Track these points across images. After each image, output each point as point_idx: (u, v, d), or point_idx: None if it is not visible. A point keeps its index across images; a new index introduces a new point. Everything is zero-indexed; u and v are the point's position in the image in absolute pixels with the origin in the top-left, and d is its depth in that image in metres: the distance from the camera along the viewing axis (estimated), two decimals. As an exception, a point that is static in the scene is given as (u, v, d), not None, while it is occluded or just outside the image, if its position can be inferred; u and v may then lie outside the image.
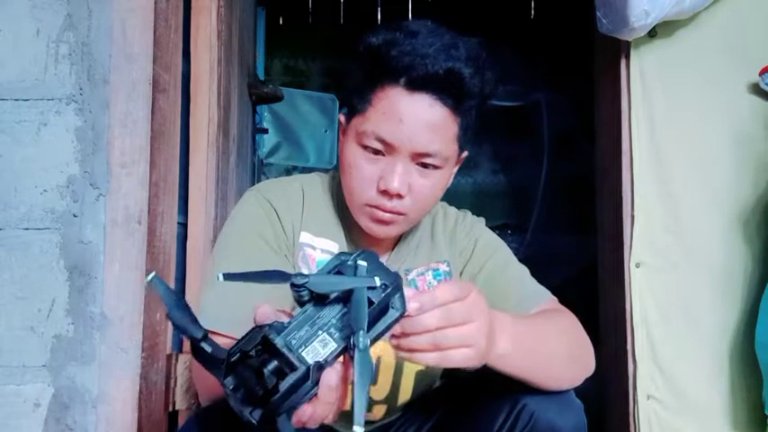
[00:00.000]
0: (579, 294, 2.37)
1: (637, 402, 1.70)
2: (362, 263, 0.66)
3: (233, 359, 0.59)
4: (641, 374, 1.70)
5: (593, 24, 1.73)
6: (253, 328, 0.62)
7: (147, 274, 1.26)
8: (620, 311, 1.76)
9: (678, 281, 1.71)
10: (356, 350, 0.59)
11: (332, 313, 0.63)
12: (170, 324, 1.39)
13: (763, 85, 1.67)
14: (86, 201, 1.25)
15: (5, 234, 1.23)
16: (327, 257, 1.01)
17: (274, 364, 0.59)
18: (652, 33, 1.70)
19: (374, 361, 0.99)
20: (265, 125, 3.29)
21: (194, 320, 0.60)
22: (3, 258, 1.23)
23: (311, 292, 0.62)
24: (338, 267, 0.66)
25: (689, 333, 1.70)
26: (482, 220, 1.17)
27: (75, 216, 1.24)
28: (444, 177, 0.98)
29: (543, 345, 0.91)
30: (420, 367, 1.10)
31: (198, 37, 1.60)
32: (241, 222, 1.01)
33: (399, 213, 0.96)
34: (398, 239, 1.10)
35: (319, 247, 1.03)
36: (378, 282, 0.63)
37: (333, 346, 0.61)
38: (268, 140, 3.40)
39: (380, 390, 1.06)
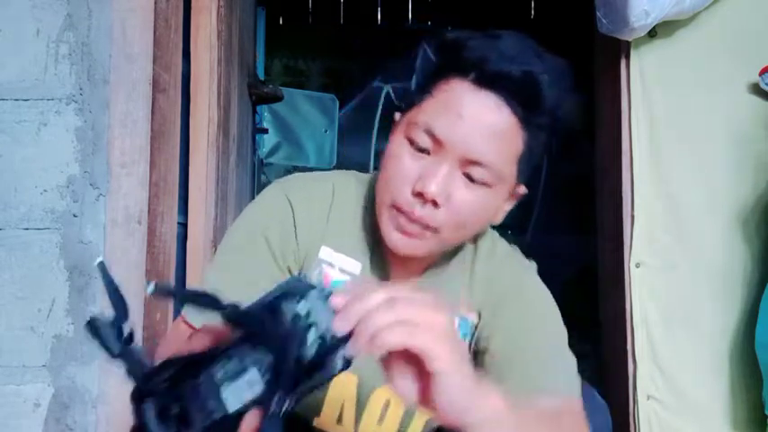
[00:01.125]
0: (579, 294, 2.37)
1: (637, 402, 1.70)
2: (303, 309, 0.53)
3: (146, 387, 0.51)
4: (641, 374, 1.70)
5: (593, 24, 1.73)
6: (180, 357, 0.53)
7: (148, 277, 1.27)
8: (620, 311, 1.76)
9: (678, 281, 1.71)
10: (266, 415, 0.50)
11: (268, 343, 0.52)
12: (169, 323, 1.39)
13: (763, 85, 1.67)
14: (86, 201, 1.25)
15: (5, 234, 1.23)
16: (344, 279, 0.90)
17: (181, 406, 0.50)
18: (652, 33, 1.70)
19: (382, 404, 0.92)
20: (265, 125, 3.29)
21: (119, 335, 0.52)
22: (3, 258, 1.23)
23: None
24: (281, 302, 0.53)
25: (689, 333, 1.70)
26: (533, 266, 0.99)
27: (75, 216, 1.24)
28: (492, 200, 0.83)
29: None
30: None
31: (198, 37, 1.60)
32: (252, 216, 0.92)
33: (428, 227, 0.81)
34: (430, 264, 0.92)
35: (338, 266, 0.90)
36: (309, 340, 0.52)
37: (258, 389, 0.51)
38: (268, 140, 3.41)
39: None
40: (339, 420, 0.93)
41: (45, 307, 1.22)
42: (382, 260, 0.91)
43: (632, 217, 1.74)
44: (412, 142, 0.81)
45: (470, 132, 0.78)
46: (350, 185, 0.94)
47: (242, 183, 2.22)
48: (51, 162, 1.25)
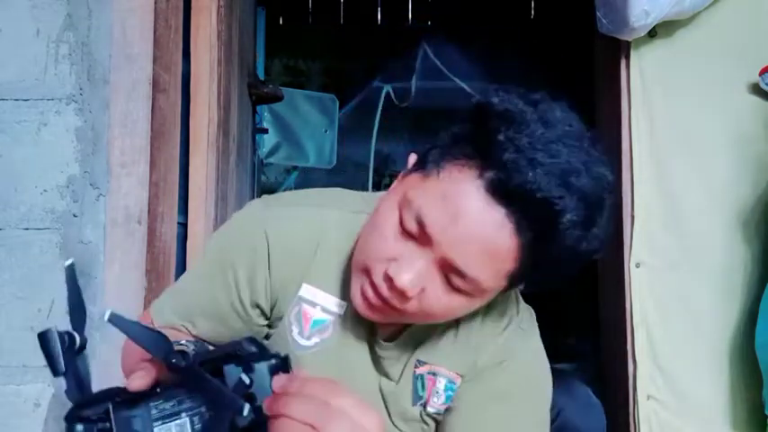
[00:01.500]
0: (579, 294, 2.37)
1: (637, 402, 1.70)
2: (247, 379, 0.52)
3: (82, 411, 0.54)
4: (641, 374, 1.70)
5: (594, 24, 1.73)
6: (120, 388, 0.55)
7: (148, 277, 1.26)
8: (620, 311, 1.76)
9: (678, 281, 1.71)
10: None
11: (206, 398, 0.54)
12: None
13: (763, 85, 1.67)
14: (86, 201, 1.25)
15: (5, 234, 1.23)
16: (326, 318, 0.86)
17: None
18: (652, 33, 1.70)
19: None
20: (265, 125, 3.29)
21: (71, 347, 0.55)
22: (3, 258, 1.22)
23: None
24: (227, 364, 0.54)
25: (689, 333, 1.70)
26: (534, 333, 0.90)
27: (75, 216, 1.24)
28: (469, 305, 0.76)
29: None
30: None
31: (198, 37, 1.60)
32: (226, 245, 0.88)
33: (393, 308, 0.74)
34: None
35: (320, 304, 0.85)
36: (246, 411, 0.51)
37: None
38: (268, 140, 3.41)
39: None
40: None
41: (45, 307, 1.22)
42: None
43: (632, 217, 1.74)
44: (402, 219, 0.72)
45: (462, 241, 0.68)
46: (346, 219, 0.85)
47: (242, 183, 2.22)
48: (51, 162, 1.25)
